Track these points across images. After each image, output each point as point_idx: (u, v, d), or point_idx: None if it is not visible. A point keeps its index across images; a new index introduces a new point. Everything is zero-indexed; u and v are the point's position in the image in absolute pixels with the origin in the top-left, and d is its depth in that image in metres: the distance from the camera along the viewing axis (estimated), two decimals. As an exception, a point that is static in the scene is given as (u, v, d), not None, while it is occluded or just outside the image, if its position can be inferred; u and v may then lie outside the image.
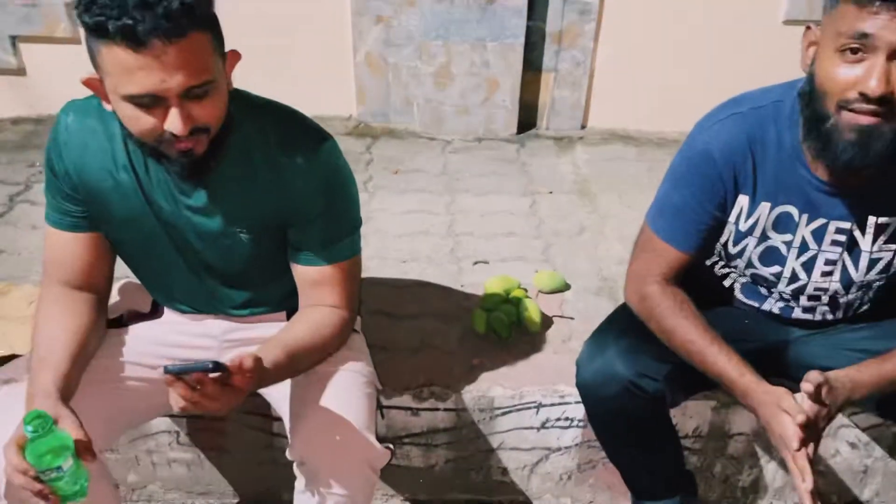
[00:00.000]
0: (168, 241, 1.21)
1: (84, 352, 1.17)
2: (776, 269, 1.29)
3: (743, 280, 1.36)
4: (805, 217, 1.22)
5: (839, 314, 1.35)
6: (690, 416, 1.58)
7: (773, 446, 1.37)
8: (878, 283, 1.31)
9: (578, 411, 1.56)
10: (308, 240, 1.20)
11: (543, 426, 1.60)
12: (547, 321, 1.74)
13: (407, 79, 2.61)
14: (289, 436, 1.22)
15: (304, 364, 1.19)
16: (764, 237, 1.26)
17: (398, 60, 2.58)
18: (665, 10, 2.48)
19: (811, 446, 1.14)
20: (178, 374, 0.96)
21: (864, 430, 1.60)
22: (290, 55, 2.50)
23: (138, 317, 1.36)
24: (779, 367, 1.41)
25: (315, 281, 1.22)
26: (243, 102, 1.14)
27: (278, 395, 1.32)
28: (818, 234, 1.24)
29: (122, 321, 1.34)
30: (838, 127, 1.08)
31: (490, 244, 2.05)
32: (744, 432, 1.61)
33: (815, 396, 1.14)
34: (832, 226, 1.22)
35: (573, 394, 1.52)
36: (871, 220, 1.21)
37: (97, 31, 0.93)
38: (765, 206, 1.23)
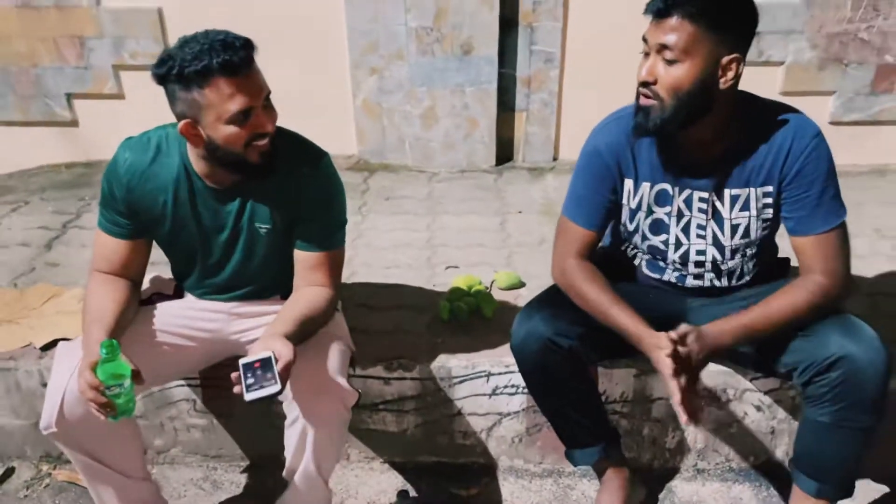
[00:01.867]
0: (202, 243, 1.58)
1: (124, 318, 1.53)
2: (664, 236, 1.60)
3: (646, 257, 1.67)
4: (677, 189, 1.54)
5: (724, 281, 1.63)
6: (616, 383, 1.86)
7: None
8: (749, 251, 1.59)
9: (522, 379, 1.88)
10: (309, 232, 1.56)
11: (494, 393, 1.90)
12: (500, 310, 2.07)
13: (399, 121, 3.00)
14: None
15: (308, 332, 1.51)
16: (650, 211, 1.58)
17: (391, 105, 2.97)
18: (621, 55, 2.84)
19: (684, 377, 1.42)
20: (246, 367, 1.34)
21: (765, 393, 1.86)
22: (301, 102, 2.89)
23: (163, 298, 1.74)
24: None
25: (311, 265, 1.58)
26: None
27: None
28: (688, 203, 1.55)
29: (152, 301, 1.72)
30: (636, 104, 1.46)
31: (461, 253, 2.39)
32: (663, 397, 1.87)
33: (680, 341, 1.45)
34: (695, 195, 1.54)
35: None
36: (727, 192, 1.52)
37: (201, 75, 1.30)
38: (646, 186, 1.56)
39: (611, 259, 1.72)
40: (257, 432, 1.98)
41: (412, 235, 2.52)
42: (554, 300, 1.65)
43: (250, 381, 1.32)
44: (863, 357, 1.43)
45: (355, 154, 3.11)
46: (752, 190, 1.52)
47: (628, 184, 1.58)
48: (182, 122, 1.38)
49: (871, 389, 1.44)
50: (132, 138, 1.56)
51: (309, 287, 1.56)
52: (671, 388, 1.42)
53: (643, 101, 1.43)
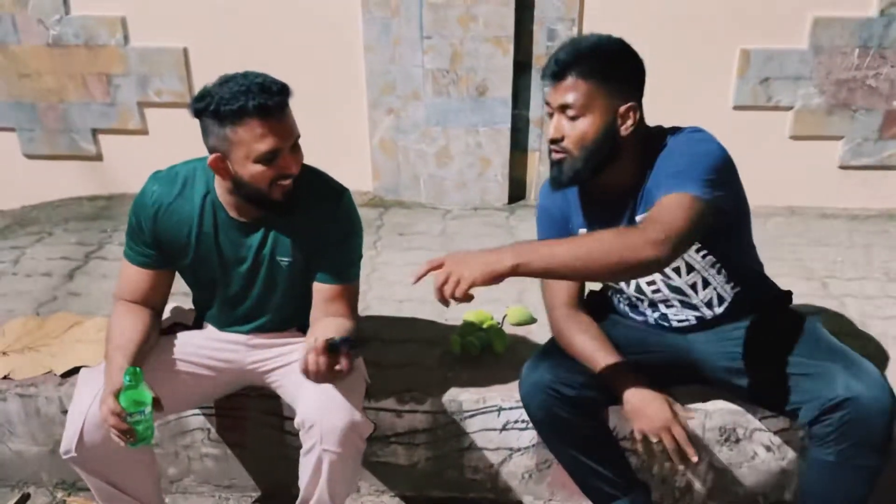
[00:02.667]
0: (223, 274, 1.63)
1: (146, 346, 1.58)
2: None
3: (623, 300, 1.72)
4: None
5: (706, 311, 1.66)
6: (626, 420, 1.89)
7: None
8: (700, 275, 1.61)
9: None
10: (328, 264, 1.62)
11: (505, 428, 1.92)
12: (512, 346, 2.09)
13: (414, 159, 3.08)
14: (296, 409, 1.57)
15: None
16: None
17: (406, 144, 3.06)
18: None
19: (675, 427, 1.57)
20: (331, 345, 1.39)
21: (775, 433, 1.87)
22: (321, 140, 2.98)
23: (183, 328, 1.78)
24: (691, 372, 1.73)
25: (330, 297, 1.63)
26: None
27: (287, 396, 1.70)
28: None
29: (172, 330, 1.76)
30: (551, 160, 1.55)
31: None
32: (673, 435, 1.91)
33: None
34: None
35: (528, 399, 1.87)
36: (637, 218, 1.56)
37: (235, 114, 1.38)
38: (583, 232, 1.63)
39: (599, 301, 1.78)
40: (269, 463, 2.00)
41: (425, 271, 2.55)
42: (555, 348, 1.71)
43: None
44: (868, 397, 1.44)
45: (370, 191, 3.18)
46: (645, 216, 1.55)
47: (574, 230, 1.66)
48: (212, 156, 1.45)
49: (877, 429, 1.45)
50: (160, 172, 1.62)
51: (331, 317, 1.60)
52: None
53: (555, 156, 1.53)
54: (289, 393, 1.69)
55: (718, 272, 1.63)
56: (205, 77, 3.00)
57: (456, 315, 2.25)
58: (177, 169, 1.61)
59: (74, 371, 1.97)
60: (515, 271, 1.33)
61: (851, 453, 1.48)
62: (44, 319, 2.22)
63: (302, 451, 1.56)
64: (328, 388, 1.51)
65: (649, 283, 1.66)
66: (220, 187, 1.55)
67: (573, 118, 1.48)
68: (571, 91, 1.46)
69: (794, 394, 1.55)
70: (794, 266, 2.51)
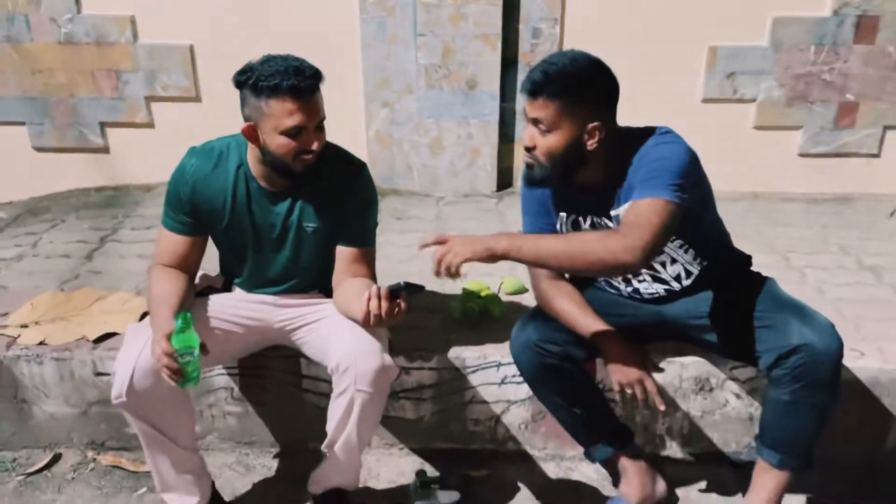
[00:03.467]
0: (254, 239, 1.81)
1: (185, 303, 1.74)
2: None
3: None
4: (581, 218, 1.80)
5: (675, 285, 1.85)
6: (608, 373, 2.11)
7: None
8: (676, 255, 1.80)
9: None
10: (350, 230, 1.82)
11: (503, 382, 2.12)
12: (508, 310, 2.30)
13: (408, 150, 3.27)
14: (327, 359, 1.73)
15: None
16: None
17: (401, 135, 3.25)
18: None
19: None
20: (392, 290, 1.59)
21: (743, 382, 2.10)
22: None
23: (214, 291, 1.96)
24: (664, 331, 1.93)
25: (353, 259, 1.83)
26: None
27: (314, 351, 1.87)
28: (593, 227, 1.79)
29: (205, 293, 1.93)
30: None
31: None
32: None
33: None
34: (593, 220, 1.79)
35: (524, 355, 2.07)
36: (612, 212, 1.75)
37: (271, 90, 1.56)
38: (563, 216, 1.83)
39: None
40: (287, 420, 2.18)
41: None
42: (542, 311, 1.90)
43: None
44: (820, 344, 1.63)
45: (366, 180, 3.36)
46: (620, 211, 1.72)
47: (562, 216, 1.84)
48: (246, 124, 1.64)
49: (827, 372, 1.65)
50: (196, 147, 1.80)
51: (354, 278, 1.79)
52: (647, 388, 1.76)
53: (527, 160, 1.72)
54: (315, 348, 1.86)
55: (686, 252, 1.82)
56: (210, 72, 3.23)
57: (455, 287, 2.45)
58: (212, 144, 1.79)
59: (106, 337, 2.14)
60: (507, 255, 1.60)
61: (804, 393, 1.67)
62: (70, 294, 2.37)
63: (333, 395, 1.73)
64: (362, 335, 1.69)
65: (636, 278, 1.85)
66: (251, 159, 1.74)
67: (543, 132, 1.64)
68: (542, 109, 1.62)
69: (755, 343, 1.74)
70: (758, 243, 2.75)
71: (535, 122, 1.65)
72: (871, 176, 3.29)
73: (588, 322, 1.79)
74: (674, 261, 1.83)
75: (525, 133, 1.70)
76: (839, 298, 2.38)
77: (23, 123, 3.27)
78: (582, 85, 1.62)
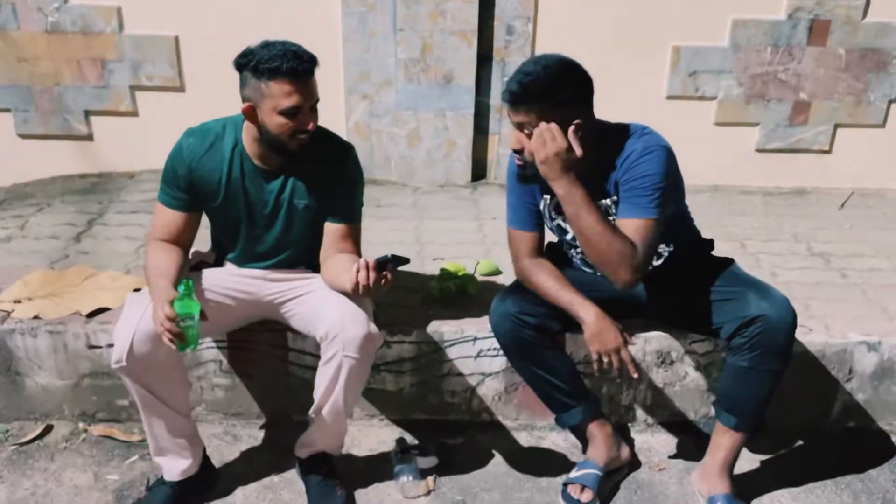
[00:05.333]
0: (248, 215, 1.91)
1: (181, 275, 1.84)
2: (567, 236, 1.99)
3: (576, 255, 2.05)
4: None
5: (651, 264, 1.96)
6: (580, 347, 2.20)
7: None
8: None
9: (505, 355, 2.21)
10: (338, 207, 1.93)
11: (479, 355, 2.24)
12: (483, 289, 2.42)
13: (386, 141, 3.38)
14: (315, 329, 1.84)
15: None
16: (552, 218, 1.97)
17: (379, 127, 3.36)
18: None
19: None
20: (379, 262, 1.68)
21: (702, 355, 2.25)
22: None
23: (207, 266, 2.06)
24: (634, 307, 2.06)
25: (341, 235, 1.94)
26: None
27: (302, 322, 1.97)
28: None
29: (198, 267, 2.03)
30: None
31: (445, 248, 2.77)
32: (619, 358, 2.27)
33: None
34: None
35: (499, 329, 2.21)
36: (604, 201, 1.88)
37: (271, 72, 1.67)
38: (546, 198, 1.95)
39: (561, 255, 2.11)
40: (273, 392, 2.28)
41: (402, 235, 2.89)
42: (520, 286, 2.02)
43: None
44: (775, 314, 1.79)
45: (345, 170, 3.47)
46: (604, 201, 1.89)
47: (546, 197, 1.97)
48: (245, 105, 1.75)
49: (782, 340, 1.81)
50: (193, 128, 1.90)
51: (341, 254, 1.91)
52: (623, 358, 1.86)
53: (517, 162, 1.85)
54: (304, 319, 1.96)
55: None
56: (194, 63, 3.33)
57: (432, 269, 2.58)
58: (208, 125, 1.90)
59: (99, 311, 2.22)
60: (562, 188, 1.76)
61: (761, 359, 1.83)
62: (61, 271, 2.45)
63: (321, 363, 1.83)
64: (349, 306, 1.81)
65: None
66: (247, 138, 1.85)
67: (529, 135, 1.76)
68: (523, 117, 1.74)
69: (716, 315, 1.90)
70: (718, 231, 2.86)
71: (520, 126, 1.77)
72: (823, 171, 3.49)
73: (568, 295, 1.89)
74: None
75: (512, 137, 1.81)
76: (791, 281, 2.56)
77: (8, 110, 3.31)
78: (557, 90, 1.72)
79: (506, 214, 2.05)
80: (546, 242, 2.10)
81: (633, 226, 1.78)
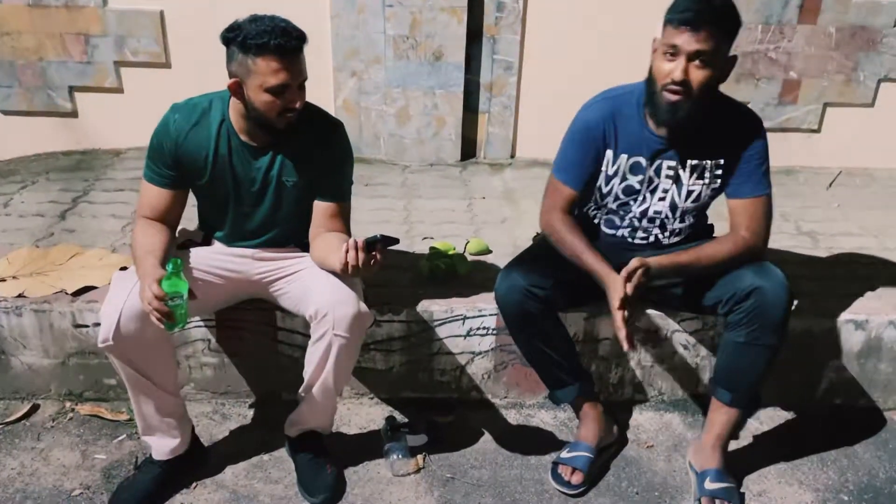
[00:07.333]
0: (235, 192, 1.89)
1: (168, 253, 1.81)
2: (633, 197, 1.96)
3: (605, 216, 2.03)
4: (648, 162, 1.91)
5: (666, 237, 2.01)
6: (570, 325, 2.21)
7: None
8: (692, 214, 1.98)
9: (492, 322, 2.20)
10: (327, 185, 1.91)
11: (468, 334, 2.25)
12: (473, 269, 2.42)
13: (375, 119, 3.36)
14: (305, 307, 1.82)
15: None
16: (624, 178, 1.95)
17: (368, 105, 3.33)
18: (572, 68, 3.28)
19: (627, 310, 1.78)
20: (368, 242, 1.66)
21: (690, 333, 2.27)
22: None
23: (195, 244, 2.03)
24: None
25: (331, 214, 1.92)
26: None
27: (291, 301, 1.95)
28: (657, 171, 1.92)
29: (186, 246, 2.01)
30: (661, 99, 1.76)
31: (435, 228, 2.75)
32: (609, 337, 2.26)
33: (629, 277, 1.79)
34: (665, 164, 1.90)
35: (489, 308, 2.18)
36: (688, 162, 1.90)
37: (258, 48, 1.63)
38: (623, 157, 1.92)
39: (585, 219, 2.09)
40: (262, 370, 2.27)
41: (392, 214, 2.87)
42: (528, 259, 2.02)
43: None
44: (771, 290, 1.81)
45: (334, 149, 3.44)
46: (708, 162, 1.91)
47: (609, 154, 1.93)
48: (232, 80, 1.72)
49: (777, 315, 1.82)
50: (179, 103, 1.87)
51: (331, 232, 1.89)
52: (617, 320, 1.78)
53: (672, 97, 1.73)
54: (293, 298, 1.95)
55: (694, 216, 2.02)
56: (180, 39, 3.28)
57: (422, 248, 2.57)
58: (195, 101, 1.87)
59: (84, 290, 2.20)
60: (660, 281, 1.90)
61: (757, 334, 1.84)
62: (46, 250, 2.42)
63: (311, 342, 1.83)
64: (339, 285, 1.79)
65: (656, 213, 1.98)
66: (234, 114, 1.82)
67: (701, 66, 1.68)
68: (705, 42, 1.65)
69: (713, 290, 1.92)
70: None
71: (696, 54, 1.67)
72: (812, 150, 3.50)
73: (592, 254, 1.88)
74: (669, 224, 2.02)
75: (673, 66, 1.70)
76: (779, 260, 2.55)
77: (-11, 86, 3.26)
78: (734, 19, 1.71)
79: (555, 161, 2.00)
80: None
81: (752, 205, 1.93)
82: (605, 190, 1.99)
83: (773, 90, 3.37)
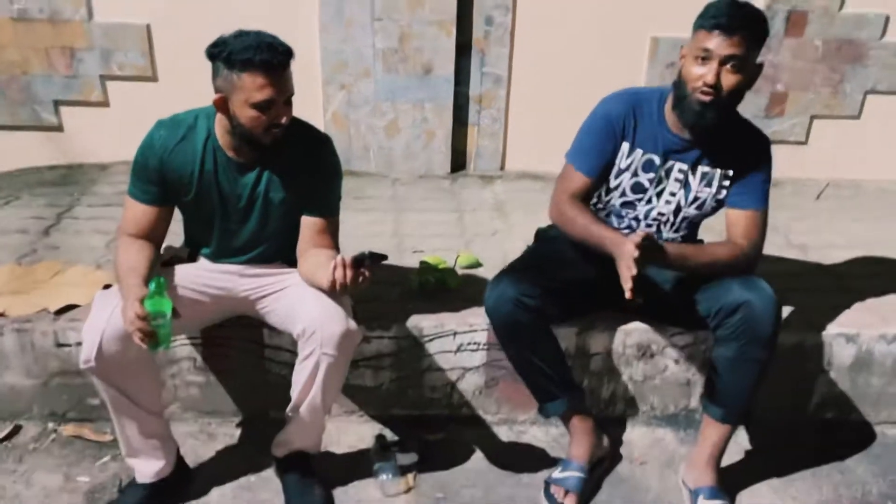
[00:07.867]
0: (221, 209, 1.86)
1: (152, 272, 1.78)
2: (640, 195, 1.97)
3: (605, 216, 2.03)
4: (662, 161, 1.92)
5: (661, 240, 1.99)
6: (561, 340, 2.18)
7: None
8: (688, 224, 2.00)
9: (483, 337, 2.18)
10: (315, 201, 1.88)
11: (459, 349, 2.22)
12: (464, 283, 2.39)
13: (364, 131, 3.34)
14: (292, 325, 1.80)
15: None
16: (635, 174, 1.95)
17: (358, 118, 3.31)
18: (560, 79, 3.28)
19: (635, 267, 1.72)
20: (356, 260, 1.63)
21: (681, 348, 2.26)
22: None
23: (180, 261, 2.00)
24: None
25: (318, 229, 1.89)
26: None
27: (279, 319, 1.93)
28: (668, 172, 1.94)
29: (171, 263, 1.98)
30: (691, 101, 1.79)
31: (425, 241, 2.73)
32: (599, 352, 2.24)
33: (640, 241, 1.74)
34: (677, 166, 1.92)
35: (479, 323, 2.15)
36: (699, 168, 1.92)
37: (243, 64, 1.60)
38: (638, 152, 1.93)
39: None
40: (249, 389, 2.24)
41: (381, 227, 2.85)
42: (518, 268, 2.00)
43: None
44: (758, 303, 1.81)
45: (323, 162, 3.42)
46: (718, 171, 1.93)
47: (625, 147, 1.94)
48: (217, 96, 1.69)
49: (766, 329, 1.81)
50: (164, 119, 1.85)
51: (319, 248, 1.87)
52: (624, 274, 1.74)
53: (704, 98, 1.76)
54: (280, 316, 1.92)
55: (688, 226, 2.04)
56: (166, 52, 3.25)
57: (412, 262, 2.54)
58: (180, 117, 1.84)
59: (67, 308, 2.16)
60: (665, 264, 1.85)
61: (746, 349, 1.84)
62: (29, 267, 2.38)
63: (298, 360, 1.80)
64: (327, 302, 1.76)
65: (659, 214, 1.99)
66: (219, 130, 1.79)
67: (732, 70, 1.72)
68: (738, 47, 1.69)
69: (702, 304, 1.92)
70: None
71: (729, 58, 1.71)
72: (799, 162, 3.50)
73: (604, 228, 1.89)
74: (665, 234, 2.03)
75: (706, 70, 1.73)
76: (768, 273, 2.54)
77: (-27, 100, 3.22)
78: (764, 27, 1.75)
79: (571, 148, 2.00)
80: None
81: (751, 217, 1.94)
82: (612, 184, 1.99)
83: (760, 103, 3.38)
